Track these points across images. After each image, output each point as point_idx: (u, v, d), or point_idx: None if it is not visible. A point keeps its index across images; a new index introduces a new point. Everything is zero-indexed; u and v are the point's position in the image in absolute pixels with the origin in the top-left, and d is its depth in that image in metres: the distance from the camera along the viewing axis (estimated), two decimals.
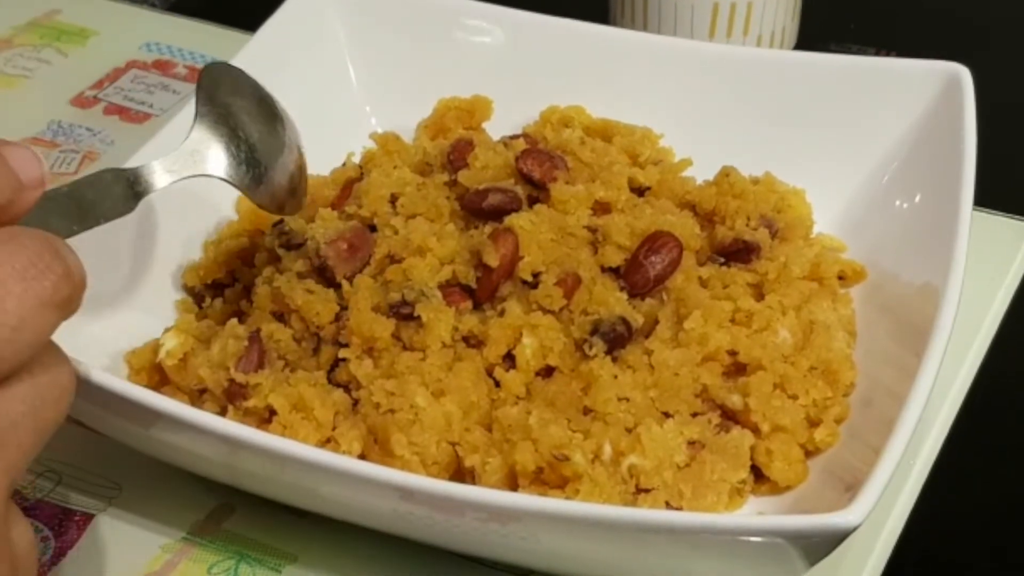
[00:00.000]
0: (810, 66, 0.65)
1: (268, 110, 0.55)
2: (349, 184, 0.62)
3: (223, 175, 0.53)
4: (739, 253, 0.59)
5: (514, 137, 0.64)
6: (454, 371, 0.53)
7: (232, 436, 0.48)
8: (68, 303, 0.41)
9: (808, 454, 0.54)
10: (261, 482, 0.52)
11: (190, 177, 0.52)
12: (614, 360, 0.54)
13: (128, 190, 0.49)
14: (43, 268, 0.40)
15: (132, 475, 0.57)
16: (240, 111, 0.54)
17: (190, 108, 0.64)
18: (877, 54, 0.80)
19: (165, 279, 0.61)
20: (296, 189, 0.55)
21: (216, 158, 0.52)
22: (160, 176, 0.51)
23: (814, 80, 0.65)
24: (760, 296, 0.57)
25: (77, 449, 0.58)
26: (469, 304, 0.56)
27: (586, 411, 0.53)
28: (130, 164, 0.58)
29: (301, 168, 0.56)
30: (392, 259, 0.56)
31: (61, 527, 0.55)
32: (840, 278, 0.60)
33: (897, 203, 0.62)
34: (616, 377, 0.53)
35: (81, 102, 0.78)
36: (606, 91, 0.67)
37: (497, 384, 0.54)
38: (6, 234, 0.41)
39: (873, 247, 0.61)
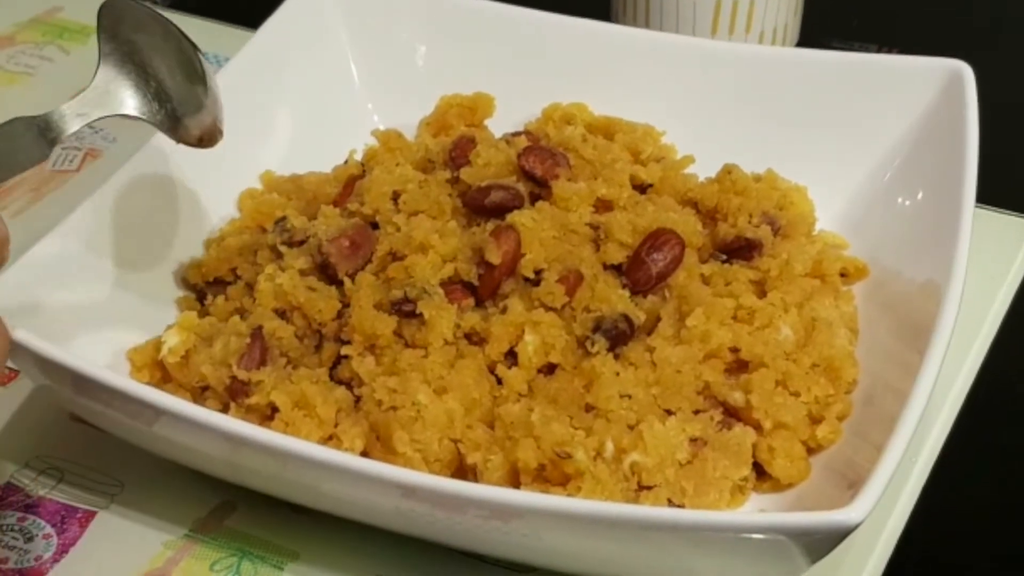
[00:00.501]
0: (812, 63, 0.66)
1: (177, 45, 0.53)
2: (351, 181, 0.62)
3: (134, 113, 0.51)
4: (741, 250, 0.59)
5: (516, 134, 0.64)
6: (456, 368, 0.53)
7: (234, 433, 0.48)
8: None
9: (810, 451, 0.54)
10: (263, 479, 0.52)
11: (101, 118, 0.51)
12: (616, 357, 0.54)
13: (40, 138, 0.49)
14: None
15: (134, 472, 0.57)
16: (146, 47, 0.52)
17: None
18: (879, 51, 0.80)
19: (167, 276, 0.61)
20: (211, 122, 0.53)
21: (125, 97, 0.51)
22: (70, 120, 0.50)
23: (816, 77, 0.65)
24: (762, 293, 0.57)
25: (79, 446, 0.58)
26: (471, 301, 0.56)
27: (588, 408, 0.53)
28: (134, 160, 0.57)
29: (216, 99, 0.54)
30: (394, 256, 0.56)
31: (63, 524, 0.55)
32: (842, 275, 0.60)
33: (899, 200, 0.62)
34: (618, 374, 0.53)
35: None
36: (608, 88, 0.67)
37: (499, 381, 0.54)
38: None
39: (875, 244, 0.61)
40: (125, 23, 0.52)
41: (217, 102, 0.53)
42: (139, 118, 0.51)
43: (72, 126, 0.50)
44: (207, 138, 0.53)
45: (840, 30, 0.83)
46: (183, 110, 0.52)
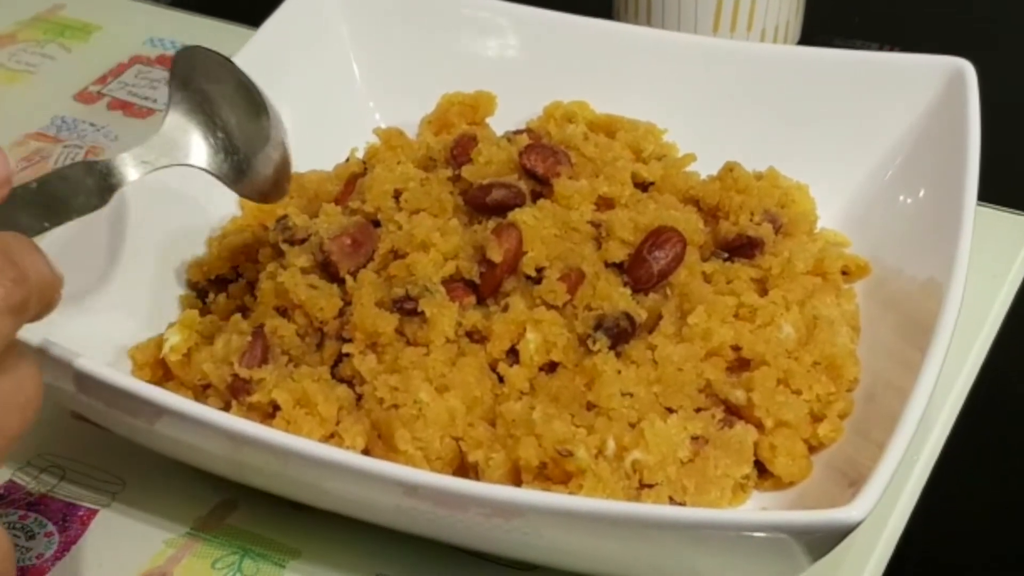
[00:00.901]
0: (814, 61, 0.65)
1: (248, 96, 0.52)
2: (353, 179, 0.62)
3: (200, 164, 0.50)
4: (743, 248, 0.59)
5: (518, 132, 0.64)
6: (458, 366, 0.53)
7: (236, 431, 0.48)
8: (22, 308, 0.39)
9: (811, 449, 0.54)
10: (265, 477, 0.52)
11: (164, 167, 0.50)
12: (618, 355, 0.54)
13: (100, 183, 0.48)
14: None
15: (136, 470, 0.57)
16: (217, 97, 0.51)
17: None
18: (881, 49, 0.80)
19: (169, 275, 0.61)
20: (279, 179, 0.53)
21: (192, 146, 0.50)
22: (133, 167, 0.49)
23: (818, 75, 0.65)
24: (764, 291, 0.57)
25: (81, 444, 0.58)
26: (472, 299, 0.56)
27: (590, 406, 0.53)
28: None
29: (285, 159, 0.54)
30: (396, 254, 0.56)
31: (65, 522, 0.55)
32: (844, 273, 0.60)
33: (901, 198, 0.62)
34: (620, 372, 0.53)
35: (85, 97, 0.78)
36: (610, 86, 0.67)
37: (501, 379, 0.54)
38: None
39: (877, 242, 0.61)
40: (198, 72, 0.51)
41: (284, 158, 0.53)
42: (204, 169, 0.50)
43: (134, 174, 0.48)
44: (271, 194, 0.53)
45: (842, 28, 0.83)
46: (248, 164, 0.51)
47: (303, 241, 0.58)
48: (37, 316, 0.41)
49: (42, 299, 0.41)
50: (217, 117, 0.51)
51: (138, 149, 0.49)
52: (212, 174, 0.50)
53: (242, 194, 0.53)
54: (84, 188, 0.47)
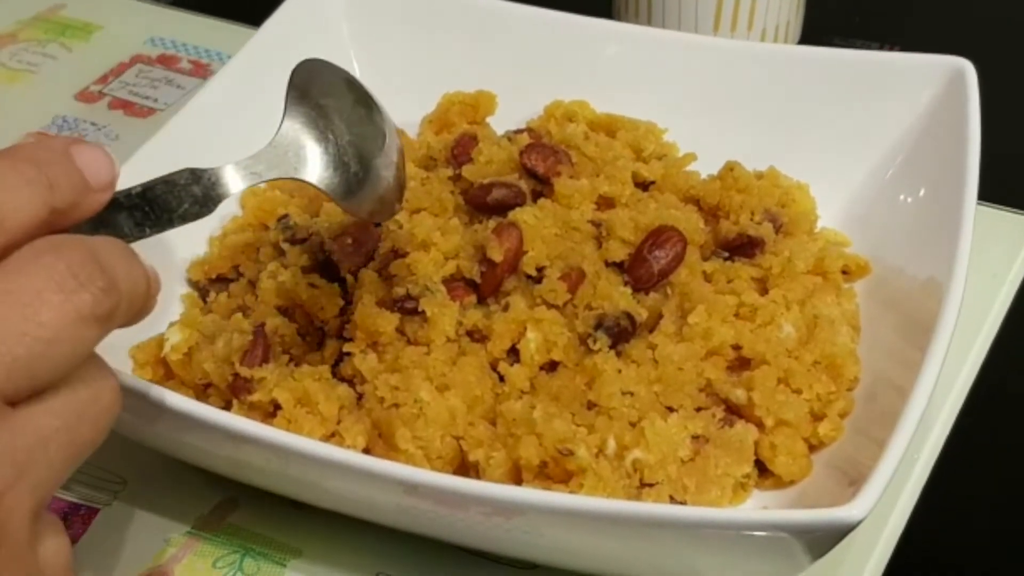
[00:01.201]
0: (814, 61, 0.65)
1: (367, 114, 0.51)
2: None
3: (310, 179, 0.49)
4: (743, 248, 0.59)
5: (518, 132, 0.64)
6: (458, 365, 0.54)
7: (237, 430, 0.48)
8: (109, 317, 0.39)
9: (812, 448, 0.54)
10: (266, 476, 0.52)
11: (274, 180, 0.49)
12: (618, 355, 0.54)
13: (207, 191, 0.46)
14: (84, 280, 0.39)
15: (137, 469, 0.57)
16: (333, 112, 0.50)
17: (194, 101, 0.64)
18: (882, 48, 0.80)
19: (170, 274, 0.61)
20: (391, 197, 0.51)
21: (303, 160, 0.49)
22: (241, 178, 0.47)
23: (818, 75, 0.65)
24: (764, 291, 0.58)
25: None
26: (473, 299, 0.56)
27: (590, 405, 0.53)
28: (135, 158, 0.57)
29: (399, 176, 0.52)
30: (396, 254, 0.57)
31: (66, 521, 0.55)
32: (844, 273, 0.60)
33: (901, 198, 0.62)
34: (620, 372, 0.53)
35: (86, 97, 0.78)
36: (610, 86, 0.67)
37: (501, 379, 0.54)
38: (47, 243, 0.39)
39: (877, 242, 0.61)
40: (316, 85, 0.50)
41: (398, 178, 0.51)
42: (313, 185, 0.49)
43: (242, 184, 0.47)
44: (380, 213, 0.52)
45: (842, 27, 0.83)
46: (360, 182, 0.50)
47: (304, 240, 0.58)
48: (127, 323, 0.41)
49: (132, 307, 0.41)
50: (331, 132, 0.49)
51: (248, 160, 0.48)
52: (321, 190, 0.49)
53: (350, 211, 0.51)
54: (189, 195, 0.46)
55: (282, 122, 0.49)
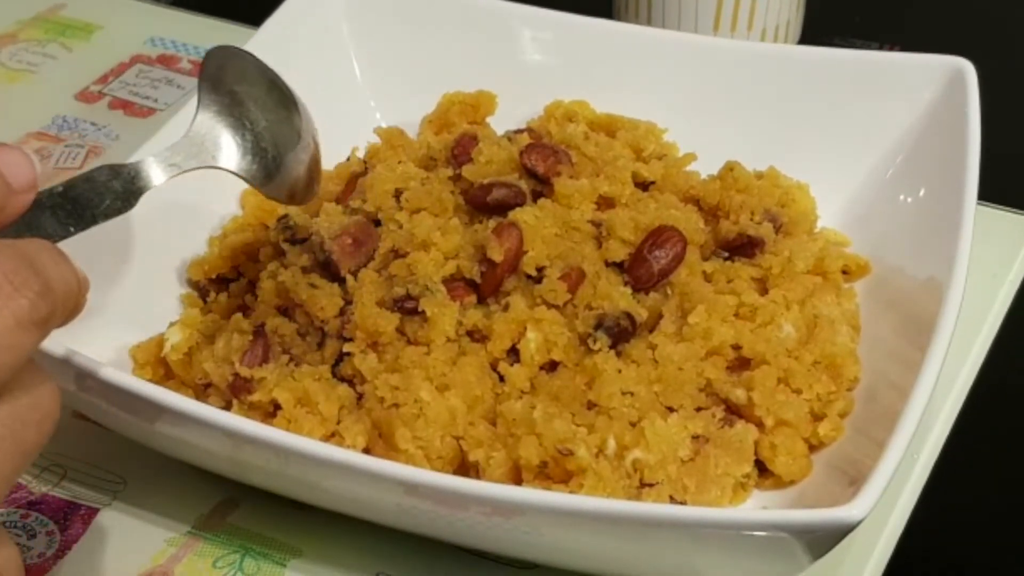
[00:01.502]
0: (814, 61, 0.65)
1: (280, 97, 0.52)
2: (353, 179, 0.62)
3: (228, 167, 0.50)
4: (743, 247, 0.59)
5: (518, 132, 0.64)
6: (458, 365, 0.54)
7: (237, 430, 0.48)
8: (47, 321, 0.39)
9: (812, 448, 0.54)
10: (265, 476, 0.52)
11: (192, 170, 0.49)
12: (618, 354, 0.54)
13: (127, 186, 0.47)
14: (18, 285, 0.38)
15: (137, 469, 0.57)
16: (247, 98, 0.51)
17: (195, 101, 0.64)
18: (882, 48, 0.80)
19: (170, 274, 0.61)
20: (310, 180, 0.52)
21: (220, 149, 0.49)
22: (160, 170, 0.48)
23: (818, 75, 0.65)
24: (764, 291, 0.58)
25: (82, 443, 0.58)
26: (473, 299, 0.56)
27: (590, 405, 0.53)
28: (135, 158, 0.57)
29: (315, 159, 0.53)
30: (396, 253, 0.56)
31: (66, 521, 0.55)
32: (844, 272, 0.60)
33: (901, 198, 0.62)
34: (620, 371, 0.53)
35: (86, 97, 0.78)
36: (610, 86, 0.67)
37: (501, 379, 0.54)
38: None
39: (877, 242, 0.61)
40: (228, 72, 0.50)
41: (315, 159, 0.52)
42: (232, 172, 0.49)
43: (161, 176, 0.47)
44: (301, 195, 0.52)
45: (842, 27, 0.83)
46: (278, 166, 0.50)
47: (304, 240, 0.58)
48: (60, 325, 0.41)
49: (66, 308, 0.41)
50: (246, 119, 0.50)
51: (165, 152, 0.48)
52: (240, 176, 0.50)
53: (271, 196, 0.52)
54: (111, 191, 0.46)
55: (196, 112, 0.50)
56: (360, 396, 0.54)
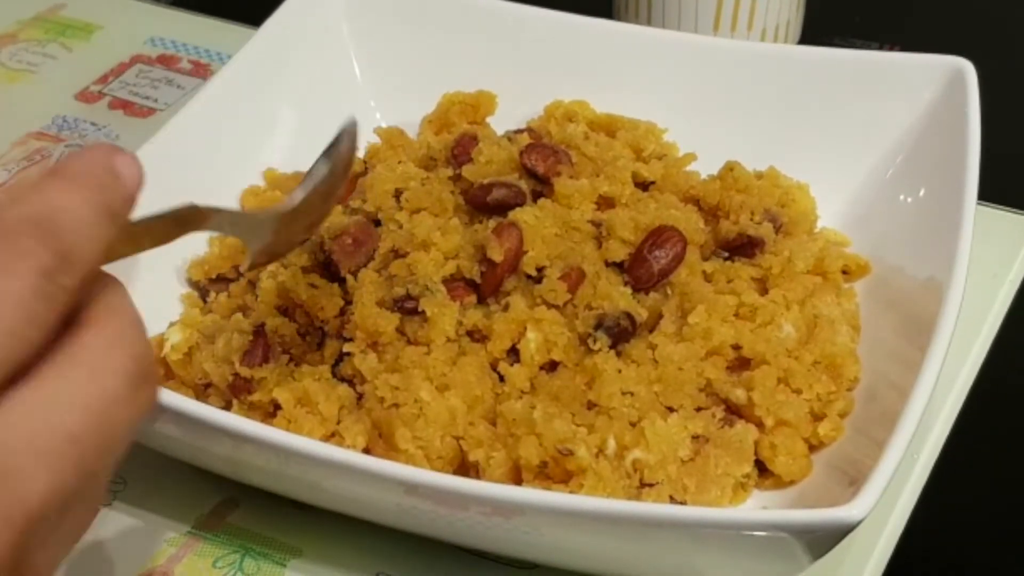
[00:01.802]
0: (814, 60, 0.65)
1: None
2: (354, 179, 0.62)
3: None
4: (743, 247, 0.59)
5: (518, 132, 0.64)
6: (458, 365, 0.53)
7: (237, 431, 0.48)
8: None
9: (812, 448, 0.54)
10: (265, 476, 0.52)
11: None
12: (618, 354, 0.54)
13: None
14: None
15: (137, 470, 0.57)
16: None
17: (194, 101, 0.64)
18: (882, 48, 0.80)
19: (170, 274, 0.61)
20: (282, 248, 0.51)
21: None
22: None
23: (818, 74, 0.65)
24: (764, 291, 0.58)
25: None
26: (473, 299, 0.56)
27: (590, 405, 0.53)
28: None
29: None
30: (396, 253, 0.57)
31: None
32: (844, 272, 0.60)
33: (901, 198, 0.62)
34: (620, 371, 0.53)
35: (86, 97, 0.78)
36: (610, 86, 0.67)
37: (501, 378, 0.54)
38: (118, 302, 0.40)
39: (877, 242, 0.61)
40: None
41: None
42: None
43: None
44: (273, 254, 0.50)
45: (842, 27, 0.83)
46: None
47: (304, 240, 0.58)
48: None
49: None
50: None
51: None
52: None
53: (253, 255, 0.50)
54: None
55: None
56: (360, 396, 0.54)
